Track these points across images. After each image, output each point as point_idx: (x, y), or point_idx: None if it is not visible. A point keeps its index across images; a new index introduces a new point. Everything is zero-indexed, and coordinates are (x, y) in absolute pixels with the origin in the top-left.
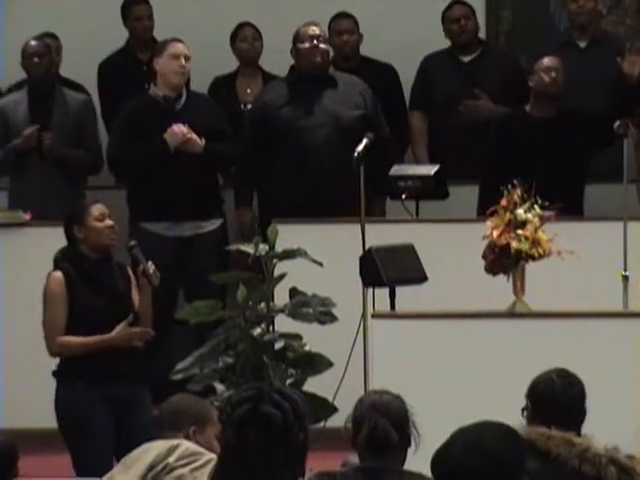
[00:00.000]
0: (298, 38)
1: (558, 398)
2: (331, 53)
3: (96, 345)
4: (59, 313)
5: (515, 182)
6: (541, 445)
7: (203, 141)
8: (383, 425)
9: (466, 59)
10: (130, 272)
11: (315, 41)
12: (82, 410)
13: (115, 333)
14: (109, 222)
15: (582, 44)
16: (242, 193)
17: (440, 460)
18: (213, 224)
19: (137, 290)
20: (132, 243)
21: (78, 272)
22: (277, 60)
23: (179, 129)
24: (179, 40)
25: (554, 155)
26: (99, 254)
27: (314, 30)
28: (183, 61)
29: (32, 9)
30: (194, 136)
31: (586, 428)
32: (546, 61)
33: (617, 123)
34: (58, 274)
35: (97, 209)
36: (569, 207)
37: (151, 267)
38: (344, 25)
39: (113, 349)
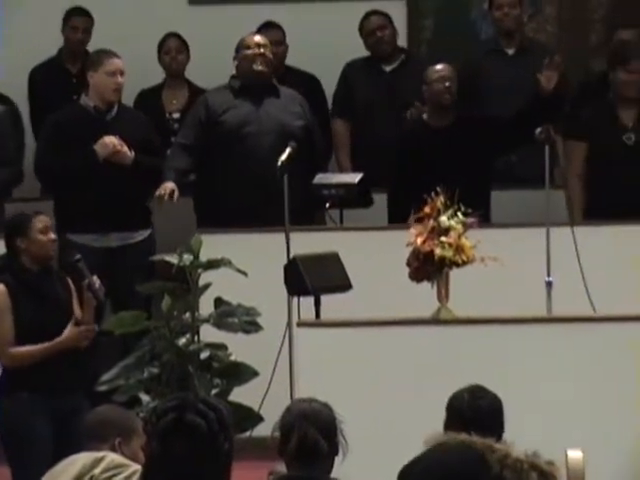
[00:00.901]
0: (243, 45)
1: (464, 413)
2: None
3: (47, 351)
4: (6, 325)
5: (438, 190)
6: None
7: (133, 153)
8: (313, 434)
9: (387, 68)
10: (71, 283)
11: (261, 49)
12: (23, 420)
13: (64, 336)
14: (52, 236)
15: (510, 51)
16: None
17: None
18: (141, 235)
19: (79, 303)
20: (77, 257)
21: (20, 284)
22: (205, 72)
23: (110, 140)
24: (115, 55)
25: (456, 162)
26: (40, 266)
27: (260, 38)
28: (119, 78)
29: None
30: (125, 148)
31: (507, 432)
32: (438, 70)
33: (539, 130)
34: (1, 286)
35: (40, 221)
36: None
37: (96, 282)
38: (272, 36)
39: (57, 359)
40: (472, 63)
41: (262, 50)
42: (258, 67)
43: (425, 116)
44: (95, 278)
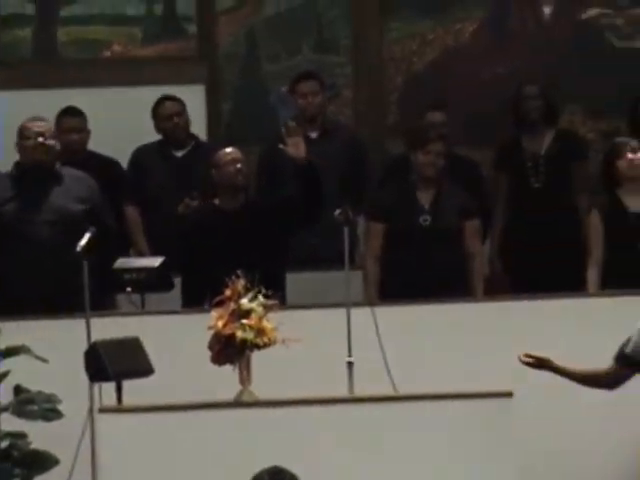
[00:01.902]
0: (23, 134)
1: None
2: (57, 148)
3: None
4: None
5: (238, 273)
6: None
7: None
8: None
9: (179, 154)
10: None
11: (41, 138)
12: None
13: None
14: None
15: (313, 135)
16: None
17: None
18: None
19: None
20: None
21: None
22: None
23: None
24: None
25: (249, 244)
26: None
27: (40, 126)
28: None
29: None
30: None
31: None
32: (229, 153)
33: (338, 211)
34: None
35: None
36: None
37: None
38: (72, 123)
39: None
40: (272, 146)
41: (41, 139)
42: (37, 156)
43: (217, 201)
44: None
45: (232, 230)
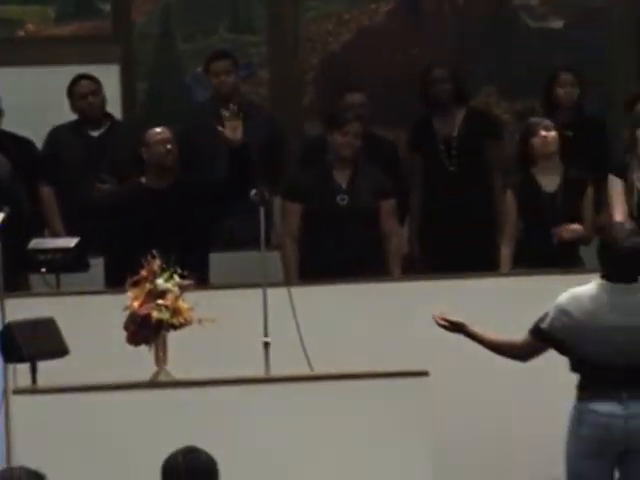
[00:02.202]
0: None
1: (179, 474)
2: None
3: None
4: None
5: (154, 253)
6: None
7: None
8: None
9: (95, 133)
10: None
11: None
12: None
13: None
14: None
15: (227, 114)
16: None
17: None
18: None
19: None
20: None
21: None
22: None
23: None
24: None
25: (175, 225)
26: None
27: None
28: None
29: None
30: None
31: None
32: (159, 133)
33: (253, 191)
34: None
35: None
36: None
37: None
38: None
39: None
40: (187, 126)
41: None
42: None
43: (144, 179)
44: None
45: (159, 210)
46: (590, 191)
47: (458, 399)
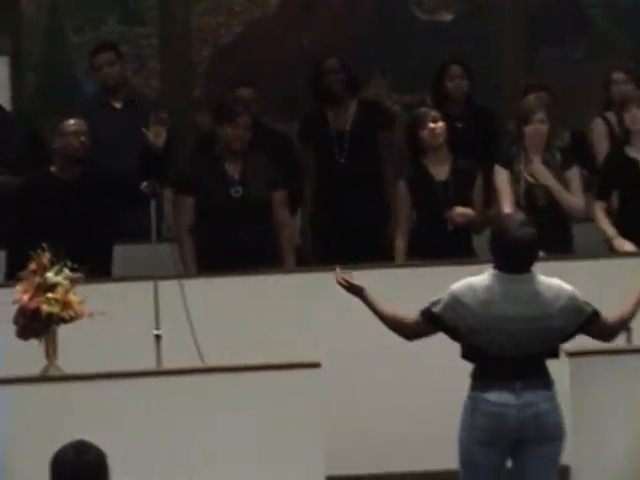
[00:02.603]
0: None
1: (69, 469)
2: None
3: None
4: None
5: (44, 245)
6: None
7: None
8: None
9: None
10: None
11: None
12: None
13: None
14: None
15: (117, 105)
16: None
17: None
18: None
19: None
20: None
21: None
22: None
23: None
24: None
25: (81, 217)
26: None
27: None
28: None
29: None
30: None
31: None
32: (73, 124)
33: (144, 183)
34: None
35: None
36: (100, 268)
37: None
38: None
39: None
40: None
41: None
42: None
43: (53, 169)
44: None
45: (67, 200)
46: (480, 181)
47: (351, 385)
